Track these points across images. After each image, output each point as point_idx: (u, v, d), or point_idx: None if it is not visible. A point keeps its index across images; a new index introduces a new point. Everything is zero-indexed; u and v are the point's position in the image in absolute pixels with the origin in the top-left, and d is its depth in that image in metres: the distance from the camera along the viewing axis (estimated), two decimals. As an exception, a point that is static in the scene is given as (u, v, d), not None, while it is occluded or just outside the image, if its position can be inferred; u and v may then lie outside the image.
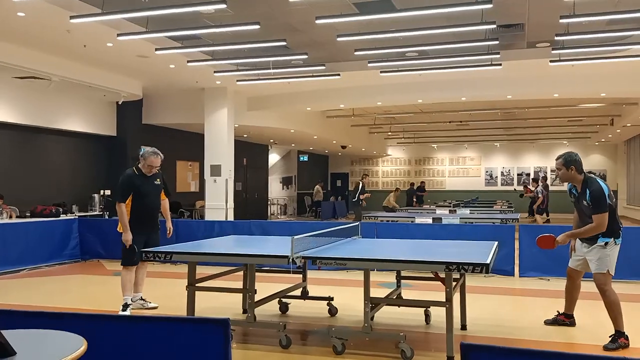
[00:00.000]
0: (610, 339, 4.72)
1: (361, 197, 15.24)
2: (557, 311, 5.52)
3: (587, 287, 6.55)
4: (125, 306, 5.89)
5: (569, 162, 4.90)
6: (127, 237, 5.89)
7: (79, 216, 11.09)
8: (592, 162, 26.65)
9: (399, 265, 4.88)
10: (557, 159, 5.01)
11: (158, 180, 6.21)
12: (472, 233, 8.38)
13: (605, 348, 4.66)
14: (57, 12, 7.91)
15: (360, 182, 15.71)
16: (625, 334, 4.72)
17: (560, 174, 4.98)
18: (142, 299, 6.28)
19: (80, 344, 2.23)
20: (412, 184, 22.56)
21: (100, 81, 11.62)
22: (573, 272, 5.27)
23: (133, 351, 2.80)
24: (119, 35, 8.68)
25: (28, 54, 9.85)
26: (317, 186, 24.97)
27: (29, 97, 11.63)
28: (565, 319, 5.42)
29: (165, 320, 2.93)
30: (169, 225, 6.42)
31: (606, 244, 4.78)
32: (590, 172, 5.08)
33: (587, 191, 4.80)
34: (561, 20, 7.68)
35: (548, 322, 5.48)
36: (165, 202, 6.40)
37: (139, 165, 6.09)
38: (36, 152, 12.26)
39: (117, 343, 2.80)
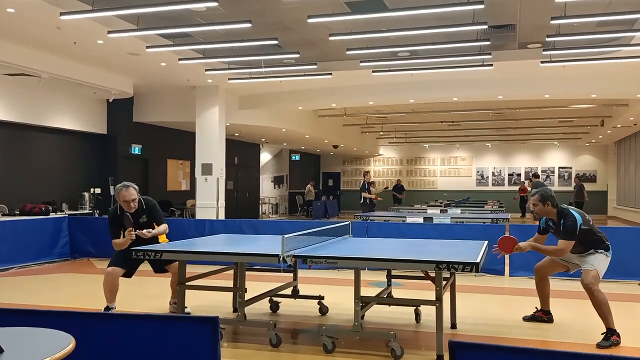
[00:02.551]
0: (602, 336, 4.76)
1: (364, 194, 14.97)
2: (536, 307, 5.60)
3: (577, 286, 6.61)
4: (107, 309, 5.63)
5: (545, 198, 5.09)
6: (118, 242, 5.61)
7: (68, 214, 11.01)
8: (582, 163, 26.82)
9: (390, 264, 4.90)
10: (532, 196, 5.21)
11: (144, 217, 5.67)
12: (463, 232, 8.43)
13: (599, 346, 4.70)
14: (47, 8, 7.85)
15: (364, 181, 15.39)
16: (617, 331, 4.76)
17: (537, 210, 5.17)
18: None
19: (68, 342, 2.22)
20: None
21: (91, 79, 11.56)
22: (540, 266, 5.43)
23: (122, 349, 2.79)
24: (109, 32, 8.63)
25: (18, 51, 9.78)
26: (309, 185, 24.96)
27: (19, 94, 11.54)
28: (543, 315, 5.52)
29: (154, 318, 2.91)
30: (145, 231, 5.53)
31: (599, 252, 4.96)
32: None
33: (562, 222, 4.98)
34: (552, 22, 7.73)
35: (527, 319, 5.57)
36: (161, 226, 5.73)
37: None
38: (26, 150, 12.17)
39: (106, 341, 2.79)
